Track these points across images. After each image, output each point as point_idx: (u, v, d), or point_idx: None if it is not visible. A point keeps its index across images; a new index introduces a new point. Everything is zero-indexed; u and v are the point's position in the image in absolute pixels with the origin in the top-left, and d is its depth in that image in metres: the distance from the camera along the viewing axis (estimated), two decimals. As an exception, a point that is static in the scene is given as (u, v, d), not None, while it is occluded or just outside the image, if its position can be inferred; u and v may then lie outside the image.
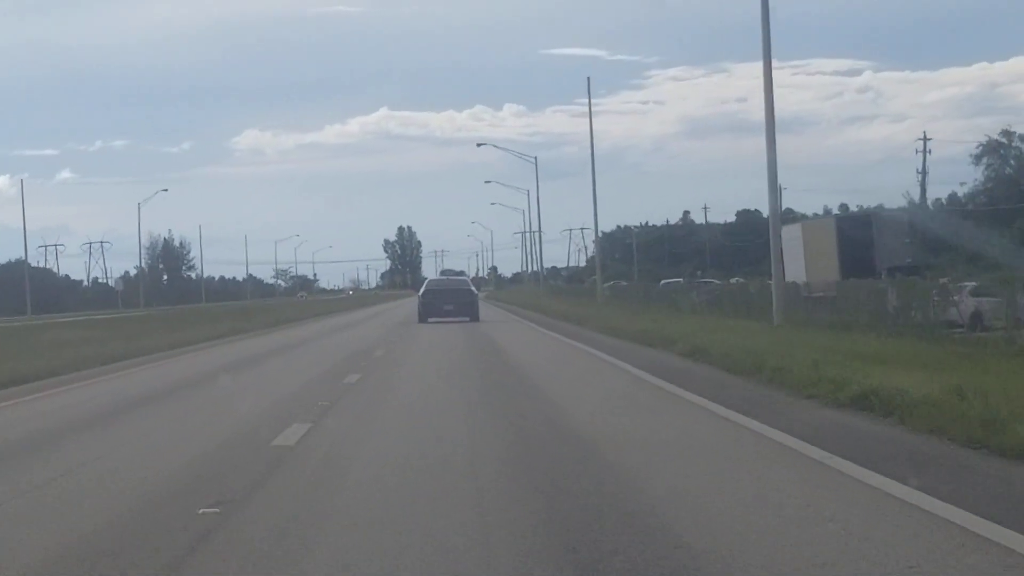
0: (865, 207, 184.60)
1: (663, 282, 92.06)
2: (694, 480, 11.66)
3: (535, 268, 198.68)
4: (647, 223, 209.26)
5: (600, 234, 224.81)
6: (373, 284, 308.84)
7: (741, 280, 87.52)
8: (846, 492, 10.73)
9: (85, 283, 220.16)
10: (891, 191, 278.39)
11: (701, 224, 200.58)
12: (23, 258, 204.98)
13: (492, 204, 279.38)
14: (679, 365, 25.55)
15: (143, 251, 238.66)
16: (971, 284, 40.09)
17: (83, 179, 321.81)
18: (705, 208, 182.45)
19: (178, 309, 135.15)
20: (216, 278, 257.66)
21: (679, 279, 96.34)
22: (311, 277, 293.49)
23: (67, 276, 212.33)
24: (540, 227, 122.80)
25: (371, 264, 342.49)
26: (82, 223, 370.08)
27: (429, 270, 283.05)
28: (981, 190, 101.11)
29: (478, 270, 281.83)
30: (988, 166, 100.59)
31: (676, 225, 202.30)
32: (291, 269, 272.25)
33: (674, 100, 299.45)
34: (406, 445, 14.53)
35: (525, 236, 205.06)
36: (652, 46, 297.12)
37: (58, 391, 25.49)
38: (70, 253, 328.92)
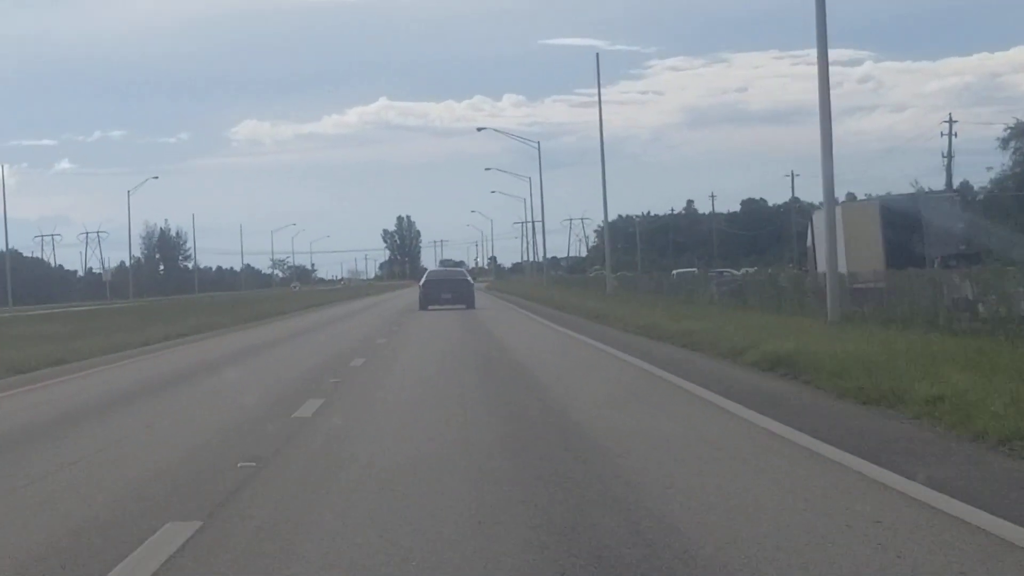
0: (872, 195, 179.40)
1: (675, 272, 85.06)
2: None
3: (535, 258, 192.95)
4: (649, 212, 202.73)
5: (601, 224, 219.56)
6: (372, 274, 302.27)
7: (751, 270, 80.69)
8: None
9: (80, 273, 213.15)
10: (896, 180, 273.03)
11: (704, 214, 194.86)
12: (10, 247, 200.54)
13: (492, 192, 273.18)
14: (777, 390, 18.19)
15: (140, 241, 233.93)
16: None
17: (82, 169, 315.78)
18: (712, 196, 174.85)
19: (164, 301, 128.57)
20: (213, 268, 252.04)
21: (692, 269, 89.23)
22: (309, 267, 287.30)
23: (60, 266, 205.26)
24: (543, 215, 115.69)
25: (370, 254, 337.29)
26: (81, 213, 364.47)
27: (428, 260, 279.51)
28: (1009, 175, 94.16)
29: (477, 260, 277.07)
30: (1016, 150, 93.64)
31: (679, 214, 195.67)
32: (288, 259, 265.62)
33: (673, 90, 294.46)
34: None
35: (526, 225, 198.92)
36: (651, 36, 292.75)
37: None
38: (67, 243, 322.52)
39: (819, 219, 59.06)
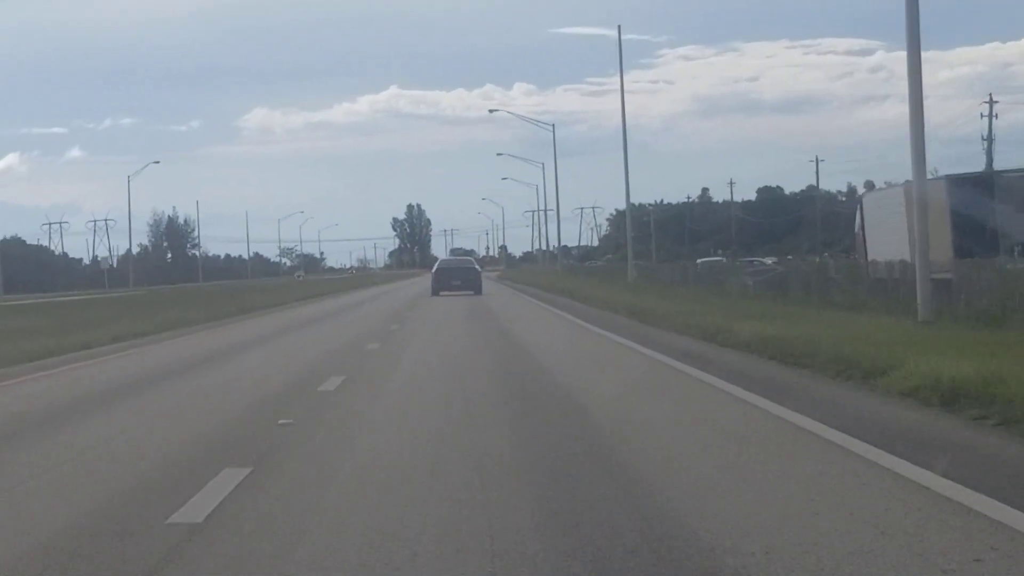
0: (892, 183, 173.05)
1: (700, 261, 78.31)
2: None
3: (546, 247, 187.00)
4: (662, 201, 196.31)
5: (614, 212, 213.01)
6: (381, 263, 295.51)
7: (775, 260, 74.00)
8: None
9: (86, 262, 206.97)
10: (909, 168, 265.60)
11: (719, 202, 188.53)
12: (17, 235, 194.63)
13: (504, 179, 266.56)
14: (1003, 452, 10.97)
15: (148, 229, 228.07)
16: None
17: (92, 157, 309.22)
18: (731, 183, 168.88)
19: (162, 290, 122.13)
20: (222, 256, 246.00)
21: (719, 258, 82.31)
22: (318, 255, 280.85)
23: (65, 254, 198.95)
24: (558, 201, 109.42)
25: (379, 243, 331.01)
26: (91, 201, 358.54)
27: (438, 248, 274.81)
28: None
29: (488, 248, 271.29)
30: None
31: (693, 203, 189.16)
32: (296, 247, 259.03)
33: (684, 79, 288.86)
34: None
35: (537, 213, 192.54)
36: (662, 25, 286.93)
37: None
38: (76, 231, 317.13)
39: (872, 203, 52.21)
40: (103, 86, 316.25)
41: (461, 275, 72.68)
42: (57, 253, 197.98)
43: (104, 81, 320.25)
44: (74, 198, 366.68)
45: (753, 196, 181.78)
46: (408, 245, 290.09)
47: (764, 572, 7.18)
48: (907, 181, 48.05)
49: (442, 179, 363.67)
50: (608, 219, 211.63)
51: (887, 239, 48.11)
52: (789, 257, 73.67)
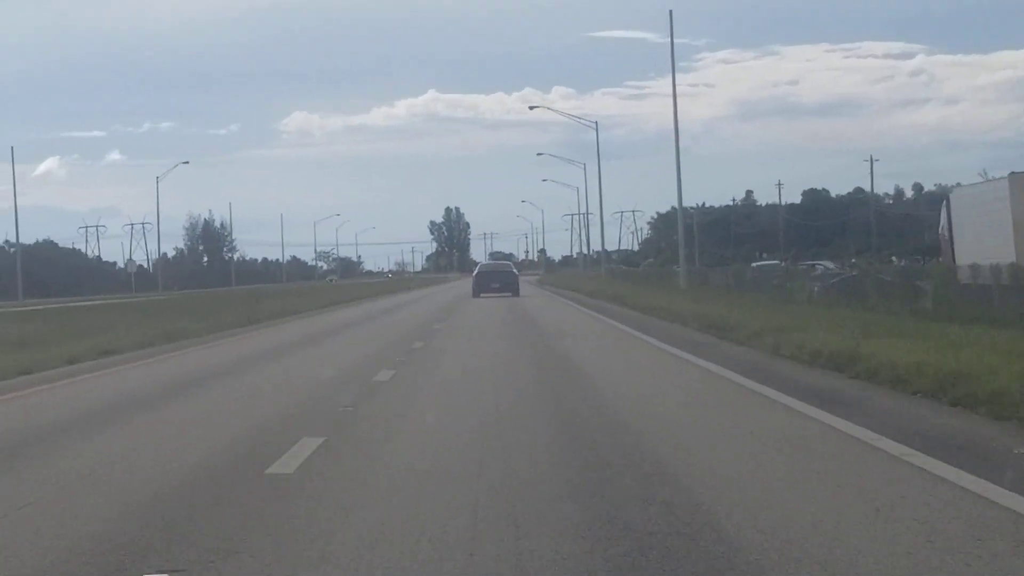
0: (943, 185, 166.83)
1: (755, 265, 71.98)
2: None
3: (586, 250, 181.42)
4: (703, 204, 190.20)
5: (655, 215, 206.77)
6: (419, 267, 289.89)
7: (834, 263, 67.91)
8: None
9: (120, 265, 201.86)
10: (961, 172, 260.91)
11: (762, 205, 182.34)
12: (49, 239, 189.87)
13: (544, 181, 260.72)
14: None
15: (184, 232, 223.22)
16: None
17: (131, 161, 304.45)
18: (779, 185, 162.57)
19: (188, 294, 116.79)
20: (259, 260, 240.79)
21: (774, 261, 75.89)
22: (355, 259, 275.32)
23: (98, 257, 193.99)
24: (601, 202, 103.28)
25: (417, 246, 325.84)
26: (130, 205, 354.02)
27: (477, 252, 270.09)
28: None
29: (527, 252, 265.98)
30: None
31: (736, 205, 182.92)
32: (333, 251, 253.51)
33: (724, 83, 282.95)
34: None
35: (578, 216, 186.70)
36: (702, 28, 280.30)
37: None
38: (113, 234, 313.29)
39: (963, 201, 45.96)
40: (142, 89, 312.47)
41: (500, 278, 77.05)
42: (91, 257, 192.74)
43: (143, 84, 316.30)
44: (113, 201, 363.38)
45: (794, 199, 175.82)
46: (446, 248, 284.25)
47: None
48: (1012, 173, 41.98)
49: (481, 183, 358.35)
50: (649, 222, 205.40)
51: (982, 240, 41.86)
52: (853, 260, 67.26)
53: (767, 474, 10.52)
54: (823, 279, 51.81)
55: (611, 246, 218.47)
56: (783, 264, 70.14)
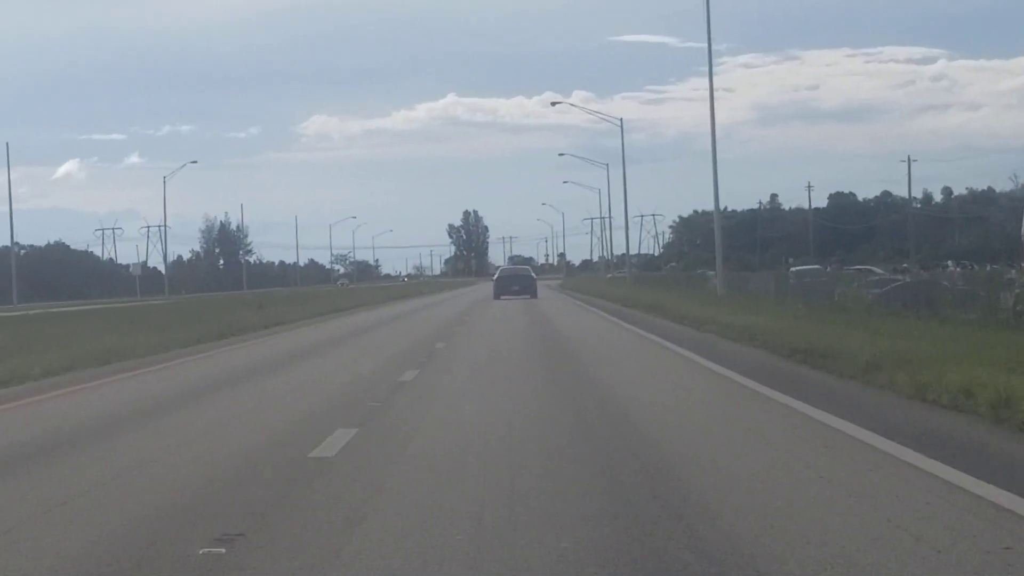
0: (980, 190, 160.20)
1: (794, 270, 65.13)
2: None
3: (610, 255, 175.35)
4: (726, 208, 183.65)
5: (677, 219, 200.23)
6: (437, 270, 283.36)
7: (859, 268, 61.25)
8: None
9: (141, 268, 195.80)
10: (983, 177, 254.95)
11: (787, 209, 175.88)
12: (61, 240, 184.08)
13: (564, 183, 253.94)
14: None
15: (200, 235, 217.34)
16: None
17: (151, 163, 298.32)
18: (809, 187, 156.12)
19: (193, 298, 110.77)
20: (276, 263, 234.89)
21: (815, 266, 68.95)
22: (372, 262, 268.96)
23: (111, 260, 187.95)
24: (626, 203, 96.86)
25: (435, 250, 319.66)
26: (149, 207, 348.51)
27: (495, 256, 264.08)
28: None
29: (547, 256, 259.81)
30: None
31: (760, 209, 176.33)
32: (349, 254, 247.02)
33: (744, 87, 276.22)
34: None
35: (599, 221, 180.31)
36: (722, 33, 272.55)
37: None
38: (132, 237, 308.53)
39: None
40: (162, 92, 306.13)
41: (519, 282, 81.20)
42: (104, 259, 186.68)
43: (163, 87, 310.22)
44: (132, 204, 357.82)
45: (818, 203, 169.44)
46: (464, 252, 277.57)
47: None
48: None
49: (500, 186, 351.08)
50: (671, 226, 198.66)
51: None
52: (904, 265, 60.45)
53: None
54: (878, 285, 45.21)
55: (632, 250, 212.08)
56: (828, 268, 63.23)
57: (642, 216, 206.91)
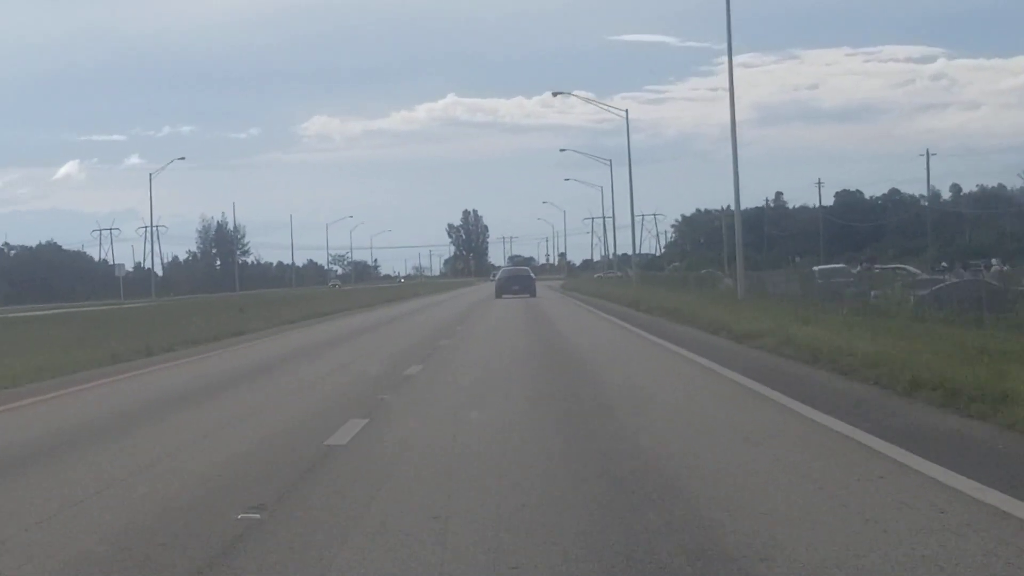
0: (990, 187, 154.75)
1: (817, 268, 59.40)
2: None
3: (613, 254, 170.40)
4: (728, 207, 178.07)
5: (679, 218, 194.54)
6: (437, 271, 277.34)
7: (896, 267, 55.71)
8: None
9: (128, 268, 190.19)
10: (992, 175, 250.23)
11: (792, 207, 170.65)
12: (52, 240, 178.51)
13: (566, 180, 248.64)
14: None
15: (196, 235, 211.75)
16: None
17: (151, 164, 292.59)
18: (819, 183, 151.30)
19: (171, 301, 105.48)
20: (275, 264, 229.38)
21: (840, 265, 63.09)
22: (371, 263, 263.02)
23: (104, 261, 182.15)
24: (632, 198, 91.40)
25: (435, 250, 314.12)
26: (148, 208, 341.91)
27: (495, 256, 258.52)
28: None
29: (548, 256, 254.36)
30: None
31: (768, 207, 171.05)
32: (347, 255, 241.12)
33: (744, 87, 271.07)
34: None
35: (601, 220, 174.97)
36: (722, 32, 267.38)
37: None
38: (128, 238, 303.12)
39: None
40: (163, 93, 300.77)
41: (519, 281, 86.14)
42: (98, 260, 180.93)
43: (164, 88, 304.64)
44: (131, 205, 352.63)
45: (823, 201, 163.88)
46: (464, 252, 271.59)
47: None
48: None
49: (500, 186, 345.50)
50: (673, 225, 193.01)
51: None
52: (943, 264, 54.72)
53: None
54: (921, 286, 39.72)
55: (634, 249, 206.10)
56: (859, 267, 57.40)
57: (643, 216, 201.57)
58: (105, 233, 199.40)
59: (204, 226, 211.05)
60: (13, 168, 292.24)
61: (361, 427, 14.40)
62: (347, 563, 7.72)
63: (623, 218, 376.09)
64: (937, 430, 12.63)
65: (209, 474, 11.33)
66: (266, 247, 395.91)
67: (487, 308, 60.43)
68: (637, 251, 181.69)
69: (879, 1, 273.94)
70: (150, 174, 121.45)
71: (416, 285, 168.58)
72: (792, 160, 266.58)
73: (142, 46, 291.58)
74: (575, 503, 9.28)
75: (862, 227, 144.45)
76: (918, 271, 51.13)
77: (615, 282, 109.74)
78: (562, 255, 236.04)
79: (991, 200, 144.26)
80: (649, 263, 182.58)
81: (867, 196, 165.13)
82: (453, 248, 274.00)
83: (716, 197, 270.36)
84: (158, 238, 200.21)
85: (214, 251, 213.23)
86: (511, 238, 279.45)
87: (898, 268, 54.99)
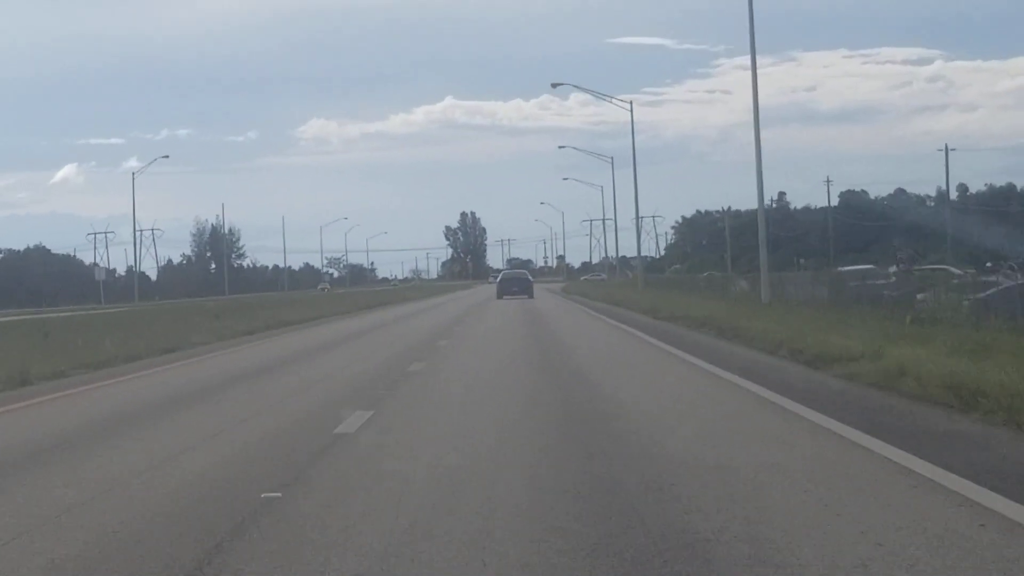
0: (999, 186, 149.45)
1: (844, 269, 53.68)
2: None
3: (615, 255, 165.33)
4: (730, 208, 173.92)
5: (679, 220, 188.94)
6: (434, 274, 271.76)
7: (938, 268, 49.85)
8: None
9: (120, 272, 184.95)
10: (990, 175, 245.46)
11: (795, 208, 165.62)
12: (41, 244, 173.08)
13: (564, 179, 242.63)
14: None
15: (191, 238, 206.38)
16: None
17: (149, 168, 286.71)
18: (828, 181, 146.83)
19: (151, 306, 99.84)
20: (270, 267, 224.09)
21: (868, 266, 57.15)
22: (367, 266, 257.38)
23: (95, 264, 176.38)
24: (636, 195, 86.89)
25: (432, 252, 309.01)
26: (146, 212, 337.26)
27: (494, 259, 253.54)
28: None
29: (546, 259, 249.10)
30: None
31: (771, 208, 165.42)
32: (343, 257, 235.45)
33: (741, 89, 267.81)
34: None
35: (601, 222, 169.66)
36: (719, 35, 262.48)
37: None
38: (124, 241, 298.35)
39: None
40: (161, 96, 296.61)
41: (518, 284, 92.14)
42: (87, 264, 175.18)
43: (162, 91, 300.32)
44: (129, 209, 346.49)
45: (824, 202, 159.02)
46: (461, 255, 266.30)
47: None
48: None
49: (498, 189, 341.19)
50: (673, 227, 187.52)
51: None
52: (988, 264, 48.74)
53: None
54: (971, 290, 33.70)
55: (632, 251, 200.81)
56: (896, 268, 51.55)
57: (641, 218, 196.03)
58: (100, 237, 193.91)
59: (198, 229, 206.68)
60: (11, 172, 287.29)
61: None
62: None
63: (622, 220, 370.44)
64: None
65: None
66: (264, 251, 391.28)
67: (483, 311, 58.00)
68: (638, 253, 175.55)
69: (876, 3, 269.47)
70: (133, 174, 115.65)
71: (409, 288, 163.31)
72: (792, 161, 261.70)
73: (140, 50, 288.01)
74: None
75: (872, 227, 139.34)
76: (960, 271, 45.13)
77: (617, 285, 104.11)
78: (560, 257, 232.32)
79: (1001, 198, 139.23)
80: (650, 265, 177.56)
81: (871, 196, 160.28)
82: (451, 251, 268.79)
83: (715, 199, 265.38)
84: (153, 241, 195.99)
85: (208, 254, 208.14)
86: (509, 241, 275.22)
87: (937, 268, 49.06)
